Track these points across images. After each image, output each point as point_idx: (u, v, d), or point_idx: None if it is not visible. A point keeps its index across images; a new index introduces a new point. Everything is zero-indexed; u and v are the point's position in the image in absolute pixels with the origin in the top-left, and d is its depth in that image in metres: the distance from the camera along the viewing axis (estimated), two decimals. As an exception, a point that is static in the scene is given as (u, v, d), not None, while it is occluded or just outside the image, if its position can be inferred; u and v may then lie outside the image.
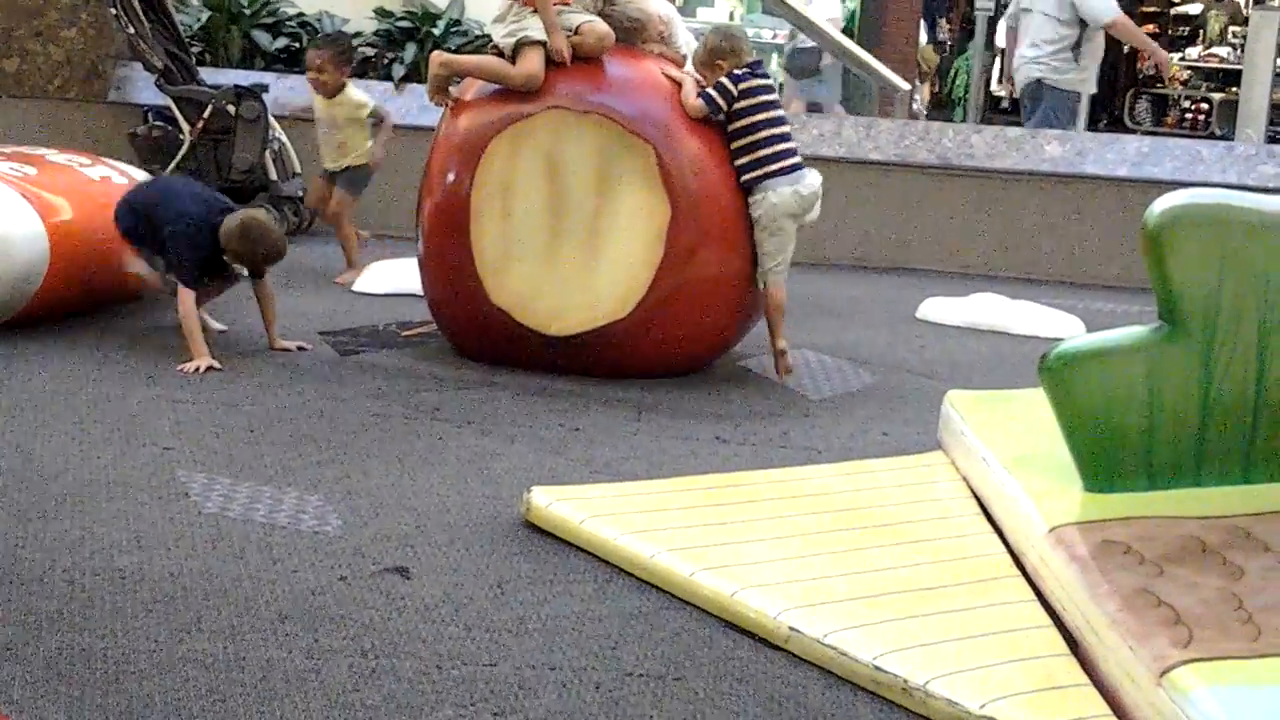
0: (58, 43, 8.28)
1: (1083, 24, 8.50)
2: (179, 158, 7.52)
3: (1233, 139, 9.63)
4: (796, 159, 5.21)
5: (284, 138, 7.88)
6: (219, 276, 5.33)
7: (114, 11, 7.68)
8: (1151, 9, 16.53)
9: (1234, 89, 13.98)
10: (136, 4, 7.64)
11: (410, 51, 8.57)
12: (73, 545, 3.31)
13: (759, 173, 5.13)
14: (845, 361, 5.75)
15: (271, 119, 7.71)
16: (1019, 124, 9.89)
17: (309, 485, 3.86)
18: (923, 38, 15.82)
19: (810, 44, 10.94)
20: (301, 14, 9.04)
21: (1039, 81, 8.61)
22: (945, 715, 2.69)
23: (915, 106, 13.43)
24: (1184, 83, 15.87)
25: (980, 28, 14.25)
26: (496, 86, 5.23)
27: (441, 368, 5.23)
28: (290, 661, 2.80)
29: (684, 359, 5.28)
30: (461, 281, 5.17)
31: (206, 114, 7.52)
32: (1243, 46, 13.97)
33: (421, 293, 5.55)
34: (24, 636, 2.83)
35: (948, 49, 15.98)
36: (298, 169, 7.96)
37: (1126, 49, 14.51)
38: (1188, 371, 3.40)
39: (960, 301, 6.89)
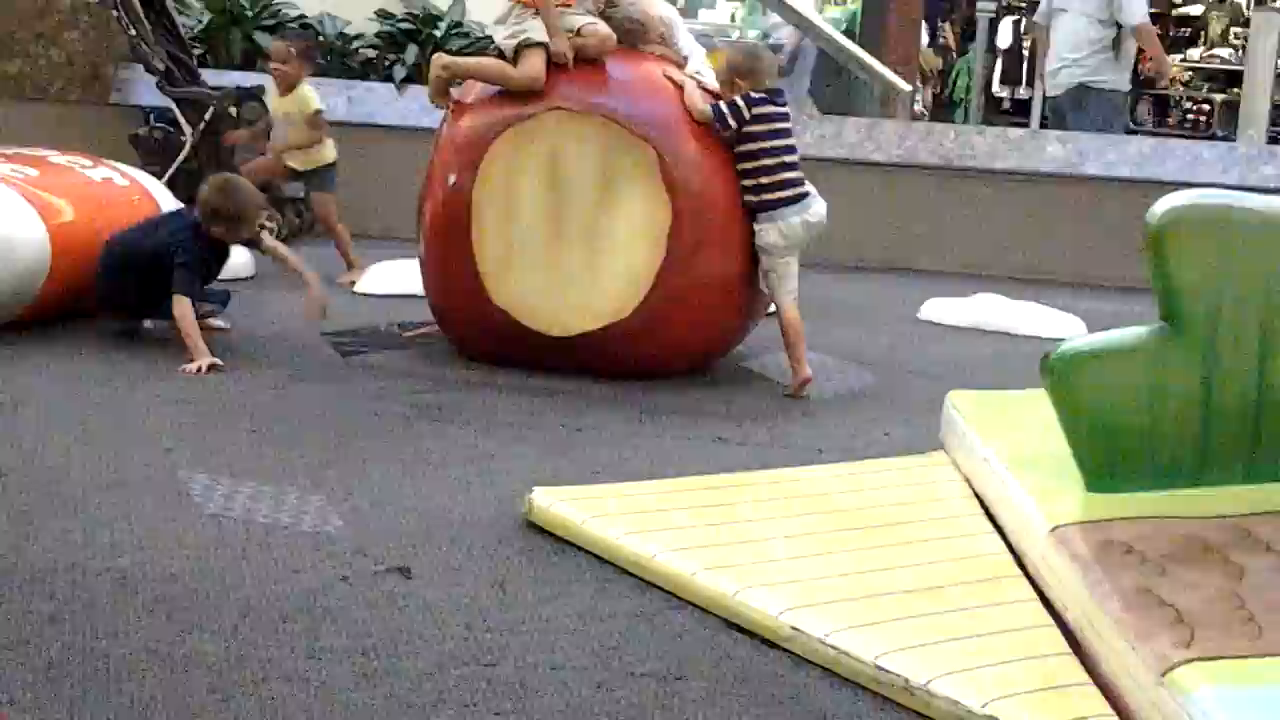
0: (59, 45, 8.29)
1: (1119, 23, 8.43)
2: (180, 159, 7.53)
3: (1234, 140, 9.63)
4: (804, 188, 5.18)
5: (285, 139, 7.88)
6: (210, 273, 5.38)
7: (115, 14, 7.70)
8: (1153, 10, 16.45)
9: (1235, 90, 13.97)
10: (138, 6, 7.65)
11: (411, 53, 8.57)
12: (74, 545, 3.31)
13: (764, 198, 5.12)
14: (847, 362, 5.75)
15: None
16: (1021, 125, 9.89)
17: (310, 485, 3.86)
18: (923, 40, 15.81)
19: (780, 44, 10.93)
20: (303, 16, 9.04)
21: (1083, 85, 8.51)
22: (947, 714, 2.69)
23: (917, 108, 13.44)
24: (1185, 84, 15.86)
25: (981, 29, 14.25)
26: (498, 88, 5.23)
27: (443, 368, 5.23)
28: (292, 661, 2.80)
29: (686, 360, 5.28)
30: (463, 282, 5.18)
31: (208, 116, 7.53)
32: (1244, 48, 13.95)
33: (423, 294, 5.55)
34: (26, 636, 2.83)
35: (953, 55, 15.97)
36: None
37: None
38: (1189, 372, 3.40)
39: (962, 302, 6.89)
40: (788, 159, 5.15)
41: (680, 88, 5.21)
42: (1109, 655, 2.76)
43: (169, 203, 6.13)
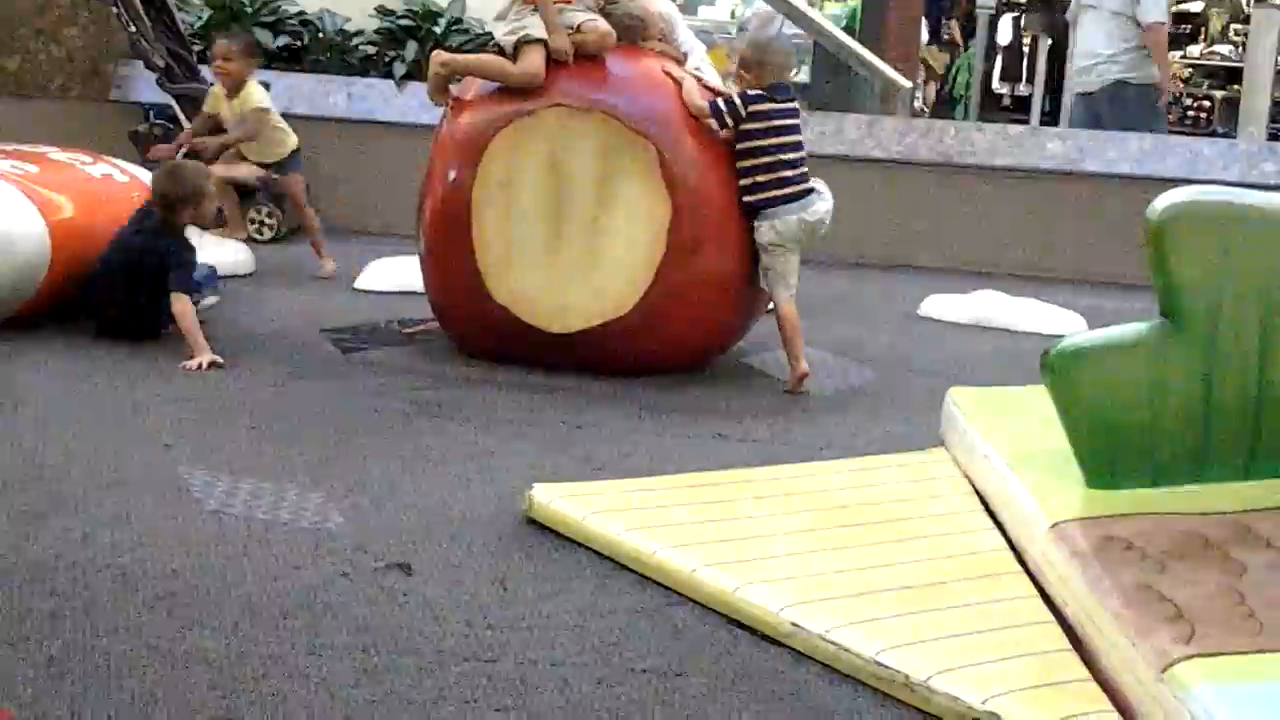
0: (59, 41, 8.29)
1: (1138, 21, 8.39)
2: (180, 156, 7.52)
3: (1234, 137, 9.62)
4: (805, 185, 5.17)
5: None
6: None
7: (115, 10, 7.69)
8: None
9: (1235, 87, 13.96)
10: (138, 2, 7.65)
11: (411, 50, 8.57)
12: (75, 543, 3.31)
13: (762, 196, 5.12)
14: (847, 359, 5.75)
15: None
16: (1021, 122, 9.87)
17: (310, 482, 3.86)
18: (923, 37, 15.81)
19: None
20: (303, 12, 9.04)
21: (1121, 81, 8.47)
22: (947, 711, 2.69)
23: (916, 105, 13.42)
24: (1185, 80, 15.86)
25: (981, 27, 14.24)
26: (497, 85, 5.23)
27: (443, 365, 5.23)
28: (292, 658, 2.80)
29: (685, 356, 5.28)
30: (463, 279, 5.18)
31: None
32: (1244, 44, 13.94)
33: (423, 290, 5.55)
34: (27, 634, 2.83)
35: (959, 50, 15.98)
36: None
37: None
38: (1190, 368, 3.40)
39: (962, 299, 6.89)
40: (786, 157, 5.13)
41: (680, 84, 5.21)
42: (1109, 651, 2.77)
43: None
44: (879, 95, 9.39)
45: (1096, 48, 8.50)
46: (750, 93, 5.16)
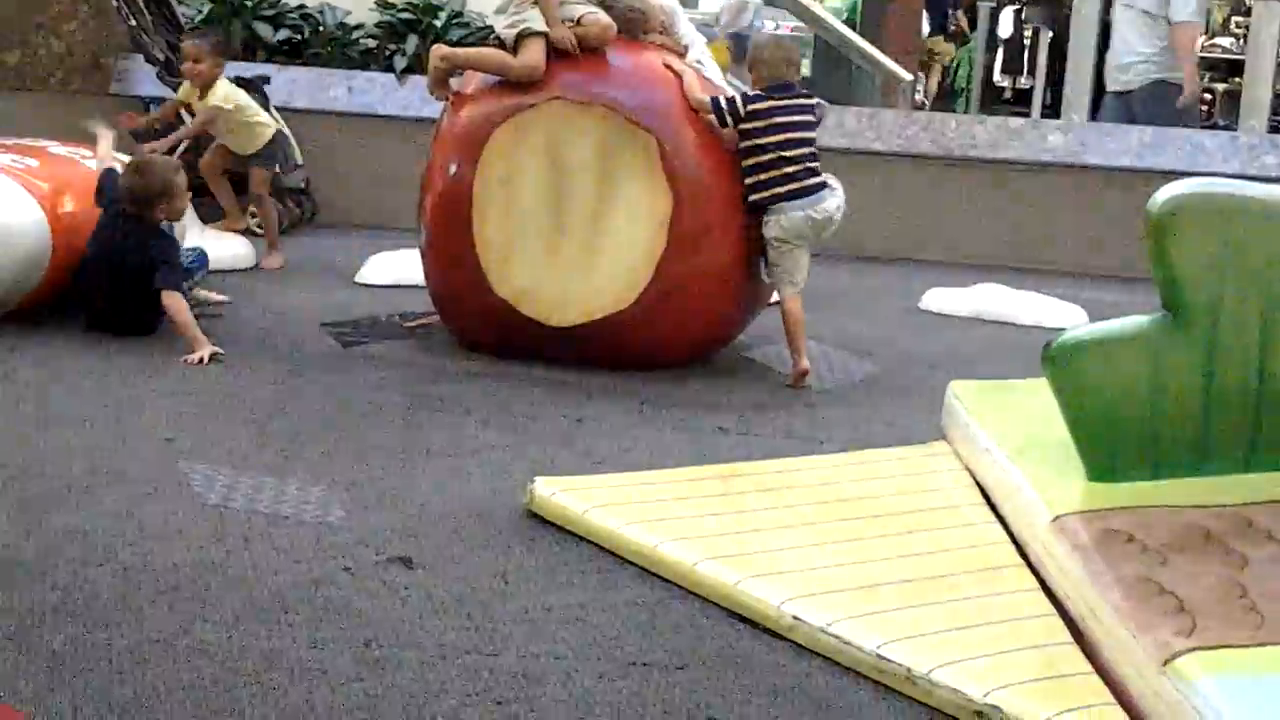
0: (59, 35, 8.28)
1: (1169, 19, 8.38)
2: (180, 150, 7.51)
3: (1235, 129, 9.60)
4: (814, 180, 5.15)
5: (286, 129, 7.87)
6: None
7: (115, 4, 7.67)
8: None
9: (1237, 79, 13.94)
10: (138, -4, 7.64)
11: (412, 43, 8.55)
12: (75, 536, 3.31)
13: (766, 194, 5.10)
14: (848, 352, 5.75)
15: (273, 111, 7.70)
16: (1022, 115, 9.86)
17: (311, 476, 3.86)
18: (925, 29, 15.80)
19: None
20: (303, 5, 9.02)
21: (1161, 81, 8.45)
22: (949, 704, 2.69)
23: (917, 97, 13.42)
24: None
25: (983, 19, 14.23)
26: (498, 78, 5.22)
27: (443, 359, 5.23)
28: (294, 652, 2.80)
29: (687, 350, 5.27)
30: (463, 273, 5.17)
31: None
32: (1246, 37, 13.93)
33: (423, 284, 5.55)
34: (28, 628, 2.83)
35: (968, 40, 15.99)
36: (299, 160, 7.96)
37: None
38: (1190, 361, 3.39)
39: (963, 292, 6.89)
40: (789, 154, 5.11)
41: (681, 77, 5.20)
42: (1110, 644, 2.77)
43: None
44: (879, 88, 9.38)
45: (1134, 47, 8.48)
46: (751, 92, 5.17)
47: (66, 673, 2.66)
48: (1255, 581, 2.86)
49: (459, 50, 5.63)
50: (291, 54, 8.74)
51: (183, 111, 7.59)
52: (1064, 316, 6.45)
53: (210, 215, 7.04)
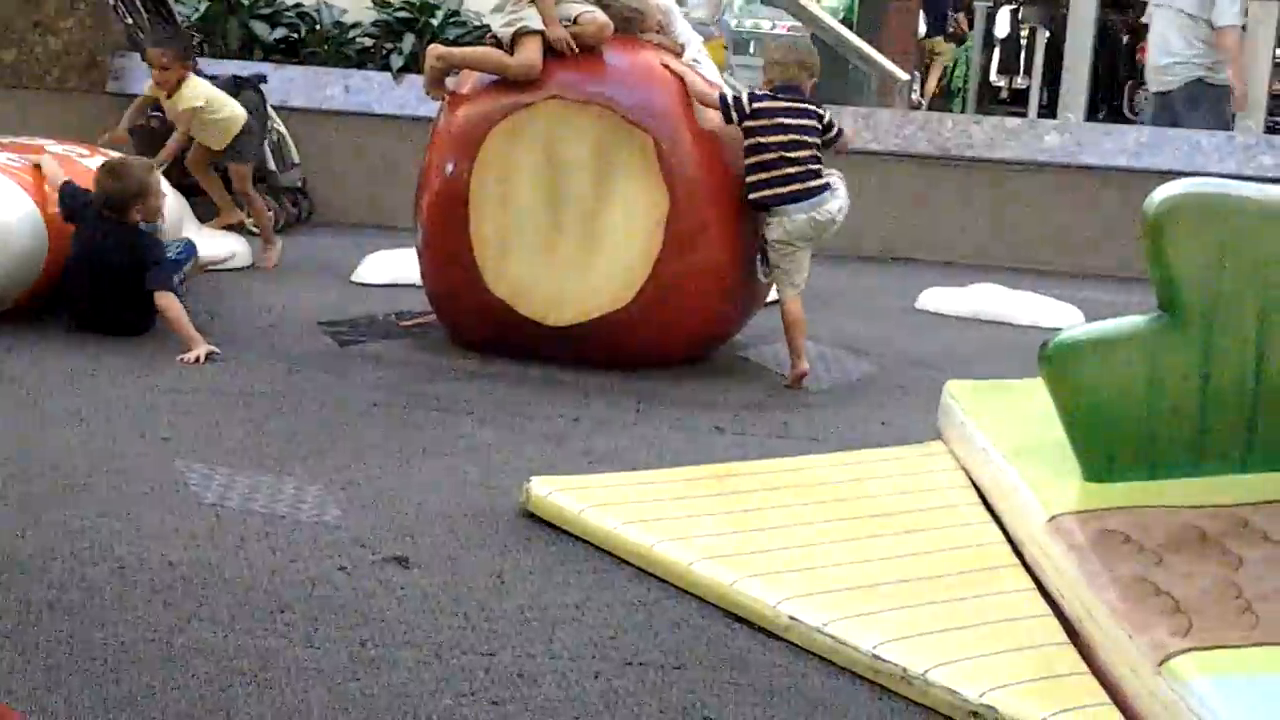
0: (56, 33, 8.27)
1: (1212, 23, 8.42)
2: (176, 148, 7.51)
3: (1232, 129, 9.62)
4: (817, 182, 5.13)
5: (282, 128, 7.88)
6: None
7: (112, 2, 7.67)
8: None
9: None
10: (134, -5, 7.64)
11: (408, 42, 8.55)
12: (72, 535, 3.31)
13: (767, 194, 5.10)
14: (845, 352, 5.75)
15: (270, 109, 7.70)
16: (1018, 115, 9.86)
17: (308, 475, 3.86)
18: (921, 29, 15.82)
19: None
20: (299, 4, 9.02)
21: (1200, 80, 8.48)
22: (944, 704, 2.69)
23: (914, 97, 13.42)
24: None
25: (979, 19, 14.24)
26: (495, 77, 5.22)
27: (440, 358, 5.23)
28: (290, 651, 2.80)
29: (683, 349, 5.27)
30: (460, 272, 5.17)
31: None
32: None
33: (420, 283, 5.55)
34: (24, 626, 2.83)
35: (968, 38, 16.03)
36: (296, 159, 7.96)
37: (1125, 39, 14.49)
38: (1187, 361, 3.39)
39: (959, 292, 6.89)
40: (791, 154, 5.10)
41: (678, 76, 5.20)
42: (1106, 644, 2.77)
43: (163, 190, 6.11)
44: (876, 88, 9.38)
45: (1172, 47, 8.50)
46: (758, 91, 5.18)
47: (62, 671, 2.66)
48: (1251, 582, 2.86)
49: (455, 50, 5.63)
50: (288, 53, 8.74)
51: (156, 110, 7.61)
52: (1060, 316, 6.46)
53: (206, 214, 7.04)
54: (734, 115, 5.10)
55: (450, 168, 5.18)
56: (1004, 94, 14.98)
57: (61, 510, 3.47)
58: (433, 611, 3.03)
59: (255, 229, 7.50)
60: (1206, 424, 3.43)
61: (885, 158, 8.29)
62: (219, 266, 6.29)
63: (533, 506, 3.62)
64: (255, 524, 3.47)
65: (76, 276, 5.24)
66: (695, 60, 5.49)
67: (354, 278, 6.59)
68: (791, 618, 2.98)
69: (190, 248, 5.62)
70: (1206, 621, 2.68)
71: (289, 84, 8.25)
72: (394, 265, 6.55)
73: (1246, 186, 3.57)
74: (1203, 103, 8.45)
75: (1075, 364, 3.42)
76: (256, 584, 3.11)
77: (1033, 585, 3.18)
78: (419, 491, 3.78)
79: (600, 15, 5.21)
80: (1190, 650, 2.57)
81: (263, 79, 7.71)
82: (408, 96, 8.07)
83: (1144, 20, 14.01)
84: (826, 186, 5.15)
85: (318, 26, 8.79)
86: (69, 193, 5.30)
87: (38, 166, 5.47)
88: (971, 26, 15.01)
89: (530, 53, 5.12)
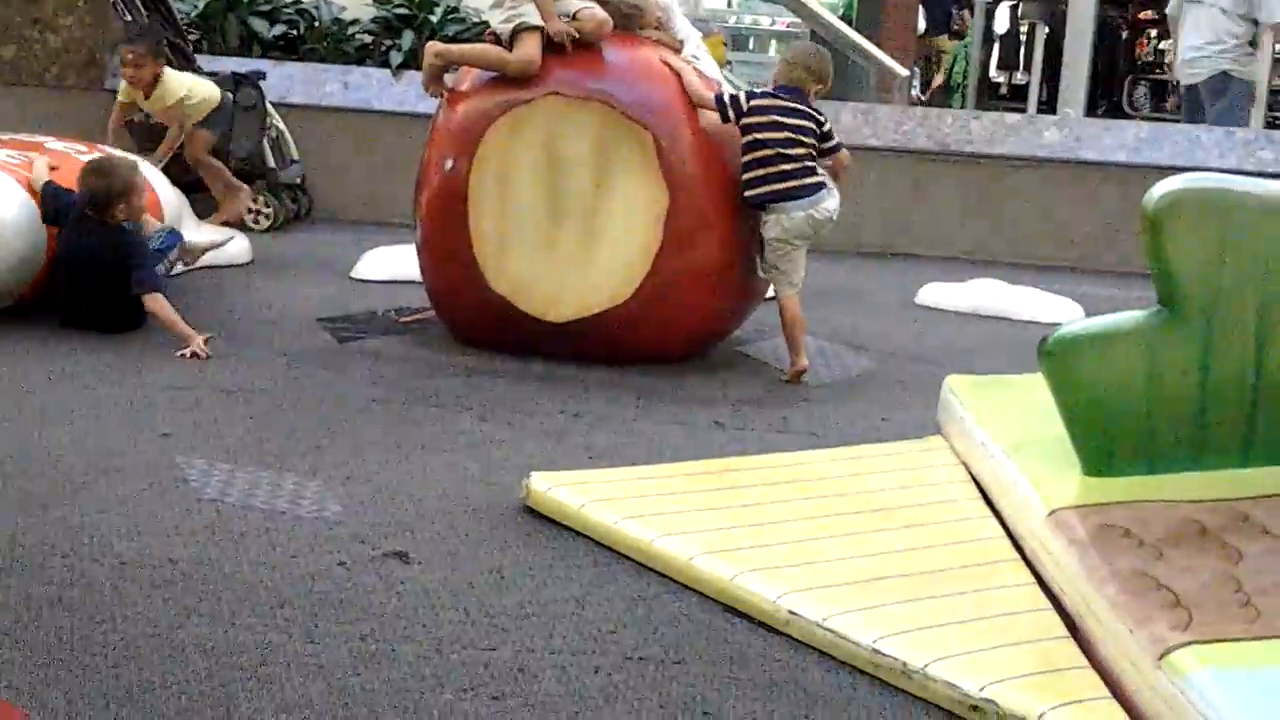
0: (55, 30, 8.27)
1: (1255, 20, 8.47)
2: (176, 144, 7.51)
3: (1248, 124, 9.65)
4: (814, 179, 5.13)
5: (282, 125, 7.88)
6: None
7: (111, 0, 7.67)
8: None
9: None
10: (133, -9, 7.64)
11: (407, 38, 8.56)
12: (72, 531, 3.31)
13: (765, 190, 5.10)
14: (844, 347, 5.75)
15: (269, 106, 7.70)
16: (1018, 110, 9.84)
17: (308, 471, 3.86)
18: (920, 25, 15.81)
19: None
20: (299, 1, 9.03)
21: (1225, 73, 8.53)
22: (944, 698, 2.69)
23: (914, 93, 13.41)
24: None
25: (979, 14, 14.23)
26: (494, 74, 5.22)
27: (439, 354, 5.23)
28: (289, 646, 2.80)
29: (682, 345, 5.27)
30: (459, 268, 5.17)
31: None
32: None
33: (420, 279, 5.55)
34: (23, 622, 2.83)
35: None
36: (295, 156, 7.96)
37: (1125, 35, 14.48)
38: (1187, 356, 3.39)
39: (959, 287, 6.89)
40: (788, 151, 5.10)
41: (677, 73, 5.20)
42: (1106, 638, 2.77)
43: (163, 189, 6.12)
44: (875, 84, 9.38)
45: (1201, 41, 8.54)
46: (756, 89, 5.19)
47: (62, 667, 2.66)
48: (1251, 576, 2.86)
49: (454, 47, 5.63)
50: (287, 49, 8.74)
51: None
52: (1060, 311, 6.46)
53: (203, 211, 7.04)
54: (731, 114, 5.11)
55: (449, 164, 5.17)
56: (1003, 89, 14.97)
57: (61, 507, 3.47)
58: (433, 607, 3.03)
59: (255, 225, 7.52)
60: (1206, 419, 3.43)
61: (884, 153, 8.29)
62: (217, 258, 6.27)
63: (533, 502, 3.62)
64: (255, 520, 3.47)
65: (59, 277, 5.23)
66: (694, 56, 5.48)
67: (353, 274, 6.59)
68: (791, 612, 2.98)
69: (173, 236, 5.54)
70: (1207, 615, 2.68)
71: (288, 81, 8.25)
72: (393, 261, 6.55)
73: (1246, 182, 3.57)
74: (1225, 95, 8.49)
75: (1075, 359, 3.42)
76: (256, 579, 3.11)
77: (1033, 580, 3.18)
78: (419, 487, 3.78)
79: (599, 11, 5.20)
80: (1190, 644, 2.57)
81: (262, 76, 7.72)
82: (407, 93, 8.07)
83: (1143, 15, 14.05)
84: (823, 185, 5.15)
85: (317, 23, 8.80)
86: (50, 193, 5.30)
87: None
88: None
89: (529, 49, 5.11)
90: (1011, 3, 14.53)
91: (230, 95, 7.42)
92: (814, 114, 5.16)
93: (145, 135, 7.56)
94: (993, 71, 14.92)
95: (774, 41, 19.24)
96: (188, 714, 2.52)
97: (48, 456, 3.84)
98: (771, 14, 17.22)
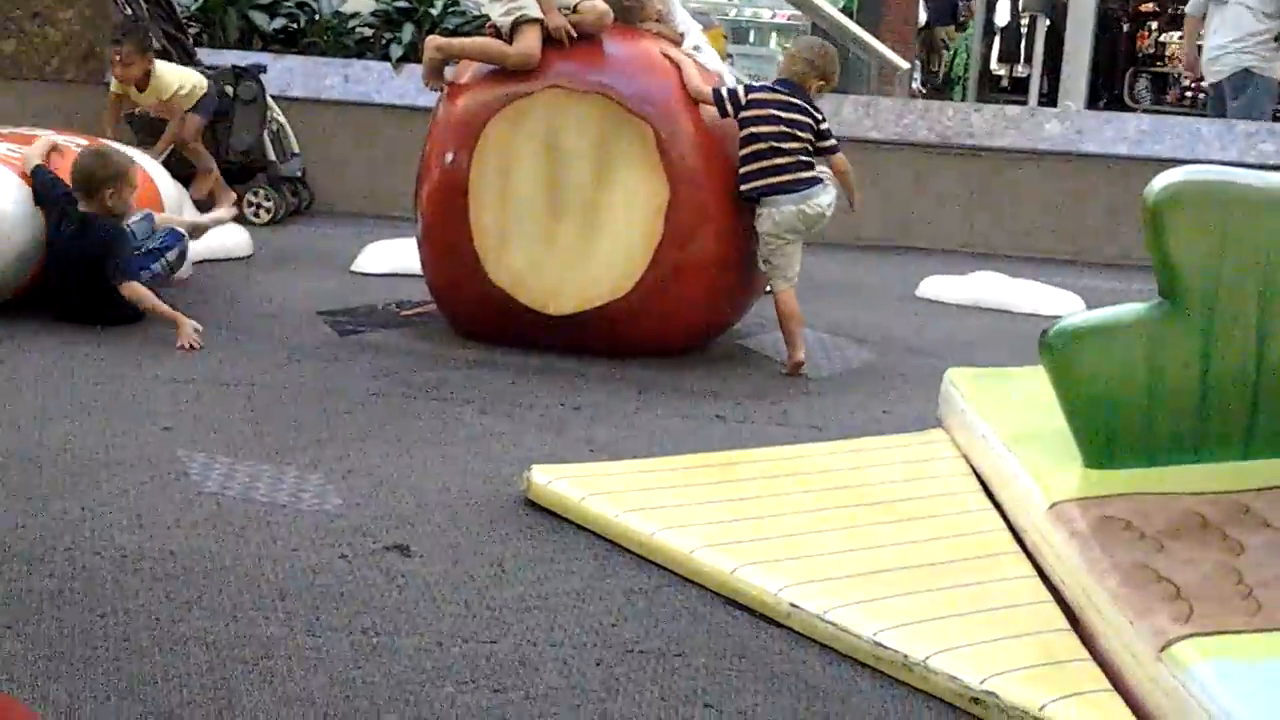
0: (55, 24, 8.27)
1: None
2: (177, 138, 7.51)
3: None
4: (807, 174, 5.12)
5: (282, 118, 7.88)
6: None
7: (111, -8, 7.67)
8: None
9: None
10: (134, -15, 7.63)
11: (408, 32, 8.55)
12: (73, 524, 3.31)
13: (759, 184, 5.10)
14: (845, 340, 5.75)
15: (269, 100, 7.70)
16: (1018, 103, 9.84)
17: (309, 464, 3.86)
18: (921, 17, 15.81)
19: None
20: (299, -7, 9.02)
21: (1248, 70, 8.54)
22: (945, 690, 2.69)
23: (914, 85, 13.42)
24: (1184, 60, 15.82)
25: (980, 7, 14.23)
26: (494, 67, 5.21)
27: (440, 347, 5.23)
28: (291, 640, 2.80)
29: (683, 338, 5.27)
30: (460, 261, 5.17)
31: (203, 95, 7.51)
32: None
33: (420, 272, 5.55)
34: (25, 615, 2.83)
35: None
36: (296, 149, 7.96)
37: (1126, 27, 14.48)
38: (1188, 348, 3.39)
39: (960, 279, 6.90)
40: (782, 145, 5.10)
41: (678, 66, 5.20)
42: (1107, 631, 2.77)
43: (164, 182, 6.12)
44: (877, 76, 9.38)
45: (1226, 38, 8.55)
46: (753, 84, 5.19)
47: (63, 660, 2.66)
48: (1252, 568, 2.86)
49: (454, 40, 5.63)
50: (287, 43, 8.74)
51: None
52: (1061, 304, 6.46)
53: (201, 207, 7.04)
54: (729, 108, 5.10)
55: (450, 157, 5.17)
56: (1004, 82, 14.97)
57: (62, 500, 3.47)
58: (434, 600, 3.03)
59: (255, 219, 7.52)
60: (1207, 411, 3.43)
61: (885, 146, 8.28)
62: (216, 252, 6.27)
63: (533, 495, 3.62)
64: (256, 513, 3.47)
65: (53, 275, 5.24)
66: (696, 48, 5.48)
67: (354, 267, 6.59)
68: (792, 605, 2.98)
69: (174, 236, 5.55)
70: (1207, 608, 2.68)
71: (288, 74, 8.25)
72: (394, 255, 6.55)
73: (1248, 174, 3.56)
74: (1246, 91, 8.51)
75: (1076, 351, 3.41)
76: (257, 573, 3.11)
77: (1033, 572, 3.18)
78: (420, 480, 3.78)
79: (600, 4, 5.20)
80: (1191, 636, 2.57)
81: (262, 69, 7.72)
82: (407, 86, 8.07)
83: (1144, 8, 14.05)
84: (818, 180, 5.14)
85: (317, 16, 8.79)
86: (40, 177, 5.30)
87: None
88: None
89: (529, 42, 5.11)
90: (1012, -4, 14.54)
91: (215, 83, 7.44)
92: (811, 110, 5.15)
93: (145, 130, 7.56)
94: (994, 64, 14.92)
95: (775, 34, 19.23)
96: (189, 707, 2.52)
97: (48, 450, 3.84)
98: (772, 7, 17.21)
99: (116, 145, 5.77)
